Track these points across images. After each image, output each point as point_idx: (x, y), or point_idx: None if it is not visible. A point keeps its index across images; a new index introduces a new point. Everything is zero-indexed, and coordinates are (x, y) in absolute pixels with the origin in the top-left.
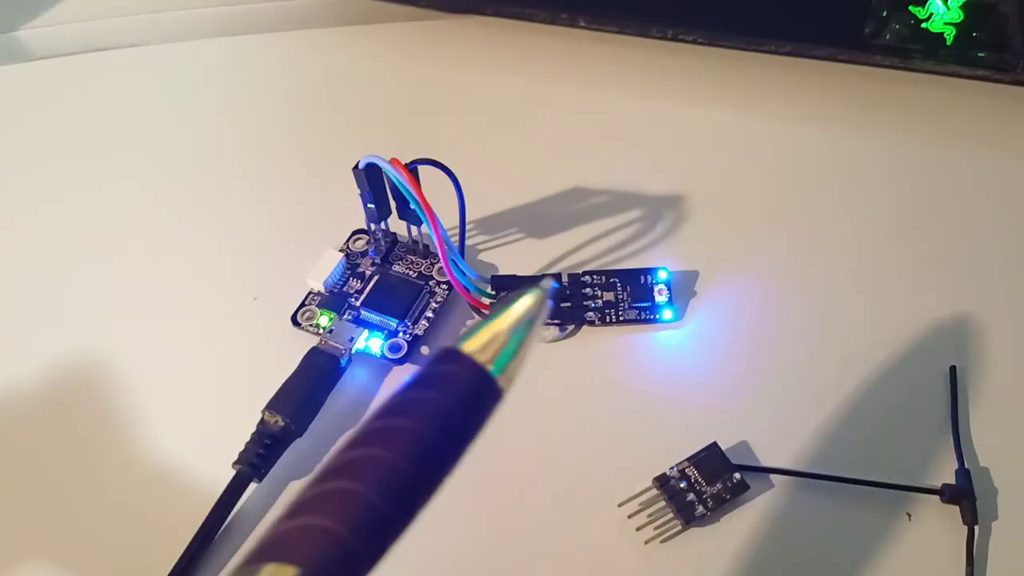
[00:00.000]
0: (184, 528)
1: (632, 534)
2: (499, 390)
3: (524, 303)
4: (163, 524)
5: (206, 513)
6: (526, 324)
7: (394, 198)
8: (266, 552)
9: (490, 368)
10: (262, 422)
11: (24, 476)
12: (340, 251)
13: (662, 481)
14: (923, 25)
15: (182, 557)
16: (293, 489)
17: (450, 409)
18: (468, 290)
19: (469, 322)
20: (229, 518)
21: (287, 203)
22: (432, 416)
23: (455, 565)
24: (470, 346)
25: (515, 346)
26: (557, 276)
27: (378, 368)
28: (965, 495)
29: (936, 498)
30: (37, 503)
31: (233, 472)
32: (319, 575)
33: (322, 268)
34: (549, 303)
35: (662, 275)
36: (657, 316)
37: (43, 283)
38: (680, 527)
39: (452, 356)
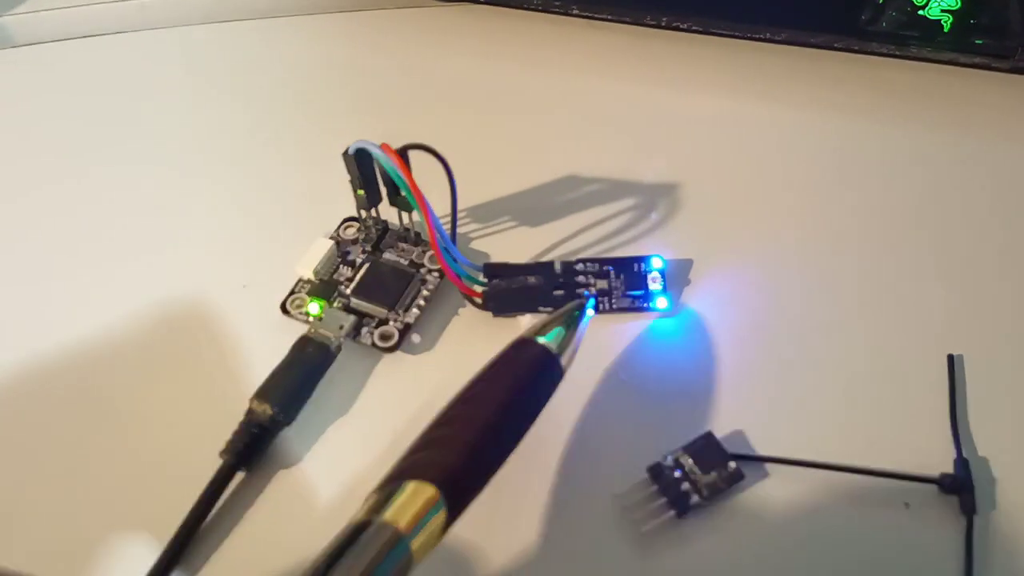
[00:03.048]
0: (170, 519)
1: (626, 525)
2: (562, 367)
3: (576, 307)
4: (148, 515)
5: (192, 503)
6: (581, 321)
7: (384, 184)
8: (406, 472)
9: (554, 351)
10: (250, 411)
11: (6, 468)
12: (330, 238)
13: (656, 471)
14: (920, 12)
15: (168, 548)
16: (281, 479)
17: (523, 384)
18: (460, 278)
19: (536, 319)
20: (216, 508)
21: (276, 190)
22: (504, 397)
23: (447, 555)
24: (540, 336)
25: (573, 339)
26: (550, 264)
27: (368, 357)
28: (964, 485)
29: (934, 488)
30: (20, 494)
31: (220, 462)
32: (447, 489)
33: (312, 255)
34: (593, 311)
35: (656, 263)
36: (651, 304)
37: (22, 272)
38: (674, 517)
39: (526, 342)
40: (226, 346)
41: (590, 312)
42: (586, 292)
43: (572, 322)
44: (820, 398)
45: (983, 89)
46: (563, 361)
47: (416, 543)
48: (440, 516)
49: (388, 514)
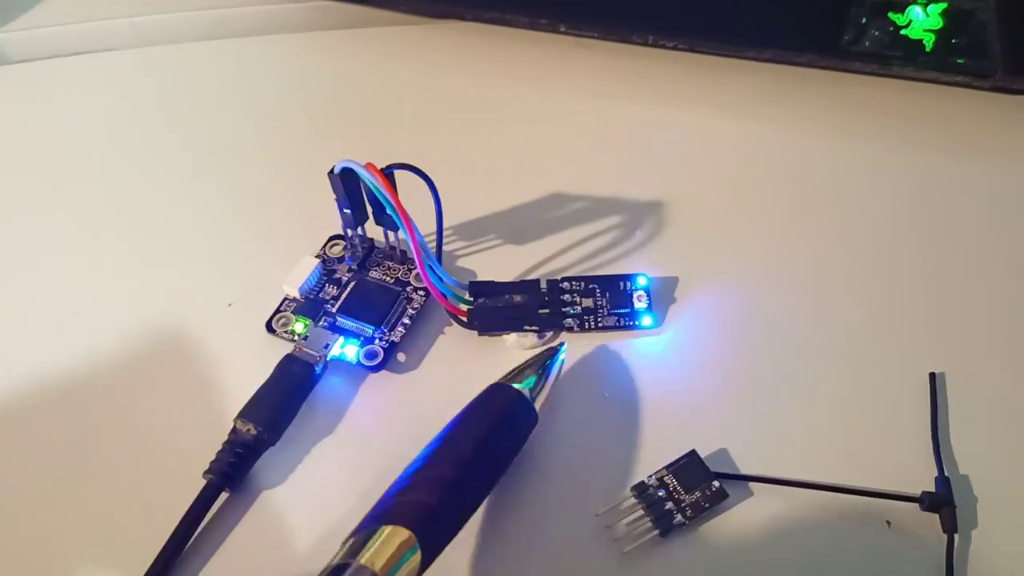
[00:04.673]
0: (153, 539)
1: (610, 544)
2: (536, 412)
3: (549, 354)
4: (131, 535)
5: (175, 524)
6: (553, 372)
7: (370, 203)
8: (383, 516)
9: (527, 396)
10: (234, 431)
11: None
12: (316, 257)
13: (640, 490)
14: (902, 32)
15: (150, 570)
16: (266, 499)
17: (493, 429)
18: (445, 296)
19: (512, 368)
20: (199, 529)
21: (263, 208)
22: (479, 440)
23: (429, 574)
24: (514, 383)
25: (546, 386)
26: (535, 282)
27: (354, 375)
28: (945, 503)
29: (915, 506)
30: (2, 515)
31: (203, 482)
32: (422, 532)
33: (298, 274)
34: (564, 356)
35: (641, 281)
36: (636, 322)
37: (13, 290)
38: (658, 536)
39: (502, 387)
40: (210, 365)
41: (562, 357)
42: (561, 345)
43: (545, 369)
44: (803, 417)
45: (965, 107)
46: (536, 406)
47: None
48: (416, 558)
49: (365, 557)
